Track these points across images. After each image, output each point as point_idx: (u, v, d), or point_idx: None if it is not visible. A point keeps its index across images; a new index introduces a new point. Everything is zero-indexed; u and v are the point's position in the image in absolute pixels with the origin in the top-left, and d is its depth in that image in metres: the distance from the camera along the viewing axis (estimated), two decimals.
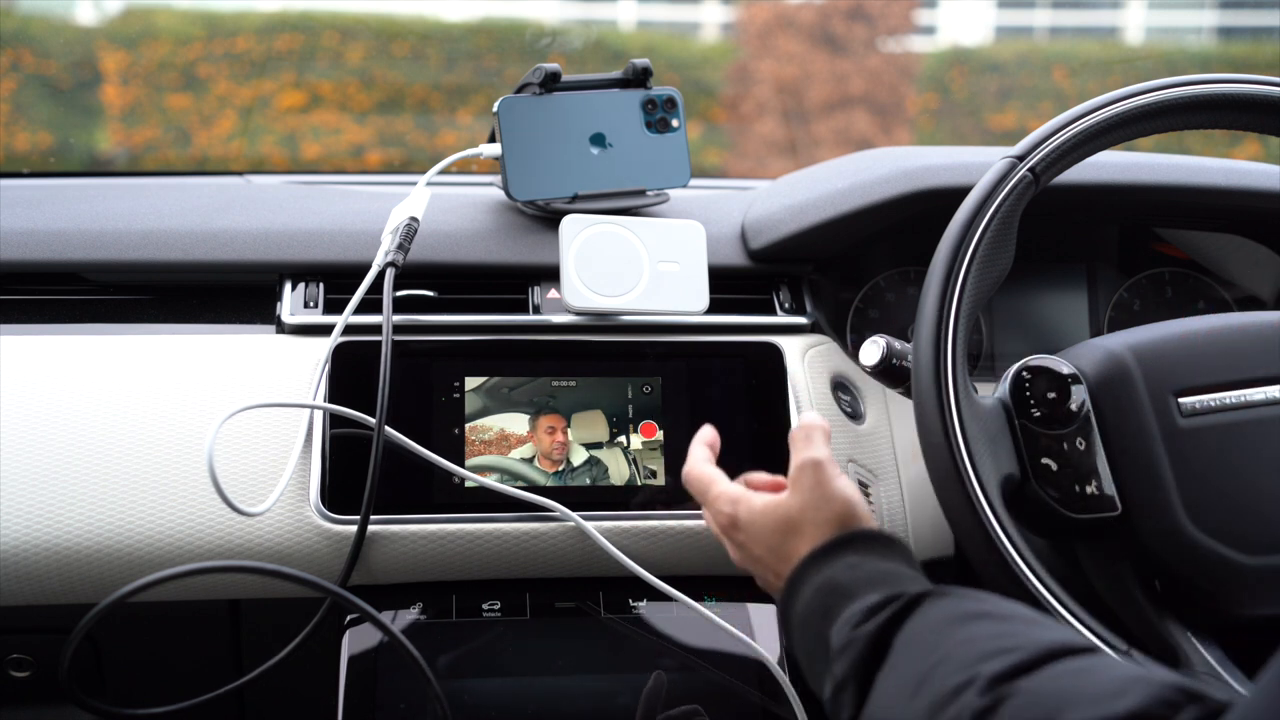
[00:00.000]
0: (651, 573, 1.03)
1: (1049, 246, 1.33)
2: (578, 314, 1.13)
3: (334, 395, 1.06)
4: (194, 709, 1.00)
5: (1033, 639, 0.67)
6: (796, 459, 0.86)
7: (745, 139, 3.23)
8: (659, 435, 1.09)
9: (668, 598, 1.03)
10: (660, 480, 1.08)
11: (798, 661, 0.81)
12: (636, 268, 1.13)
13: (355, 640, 1.02)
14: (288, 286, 1.16)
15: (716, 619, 1.03)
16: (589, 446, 1.08)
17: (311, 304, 1.15)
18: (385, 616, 0.98)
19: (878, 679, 0.71)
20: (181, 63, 2.20)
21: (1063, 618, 0.88)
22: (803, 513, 0.84)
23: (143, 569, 0.99)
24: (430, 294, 1.16)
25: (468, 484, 1.05)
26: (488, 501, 1.05)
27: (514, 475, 1.06)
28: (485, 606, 1.05)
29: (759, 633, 1.05)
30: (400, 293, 1.11)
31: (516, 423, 1.08)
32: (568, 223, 1.12)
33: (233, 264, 1.17)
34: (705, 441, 0.96)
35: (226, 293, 1.19)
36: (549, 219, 1.21)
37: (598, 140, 1.21)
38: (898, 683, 0.69)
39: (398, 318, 1.10)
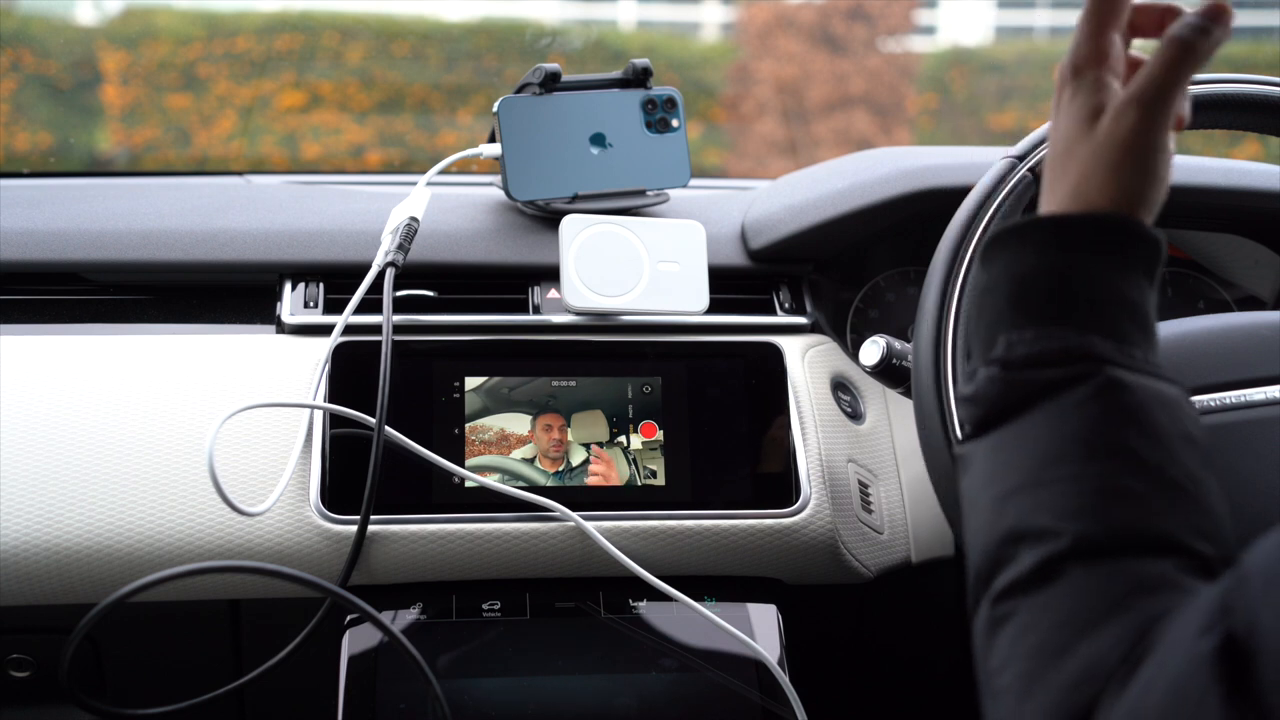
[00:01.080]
0: (651, 573, 1.03)
1: None
2: (578, 314, 1.13)
3: (334, 395, 1.06)
4: (194, 709, 1.00)
5: (1144, 522, 0.59)
6: (1132, 88, 0.69)
7: (745, 139, 3.23)
8: (659, 435, 1.09)
9: (668, 598, 1.03)
10: (660, 480, 1.08)
11: (974, 304, 0.71)
12: (636, 268, 1.13)
13: (355, 640, 1.02)
14: (288, 286, 1.16)
15: (716, 619, 1.03)
16: (589, 446, 1.08)
17: (311, 304, 1.15)
18: (385, 616, 0.98)
19: (1002, 428, 0.65)
20: (181, 63, 2.20)
21: None
22: (1097, 152, 0.69)
23: (143, 569, 0.99)
24: (430, 294, 1.16)
25: (468, 484, 1.05)
26: (488, 501, 1.05)
27: (514, 475, 1.06)
28: (485, 606, 1.05)
29: (759, 633, 1.05)
30: (400, 293, 1.11)
31: (516, 423, 1.08)
32: (568, 223, 1.12)
33: (233, 264, 1.17)
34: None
35: (226, 293, 1.19)
36: (549, 219, 1.21)
37: (598, 140, 1.21)
38: (1005, 461, 0.64)
39: (398, 318, 1.10)
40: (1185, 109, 0.73)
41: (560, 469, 1.07)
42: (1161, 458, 0.63)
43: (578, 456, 1.08)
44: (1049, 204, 0.71)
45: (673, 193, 1.25)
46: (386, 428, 1.01)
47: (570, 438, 1.08)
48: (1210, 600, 0.53)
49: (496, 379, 1.09)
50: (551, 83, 1.20)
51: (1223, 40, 0.69)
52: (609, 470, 1.07)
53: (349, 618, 1.02)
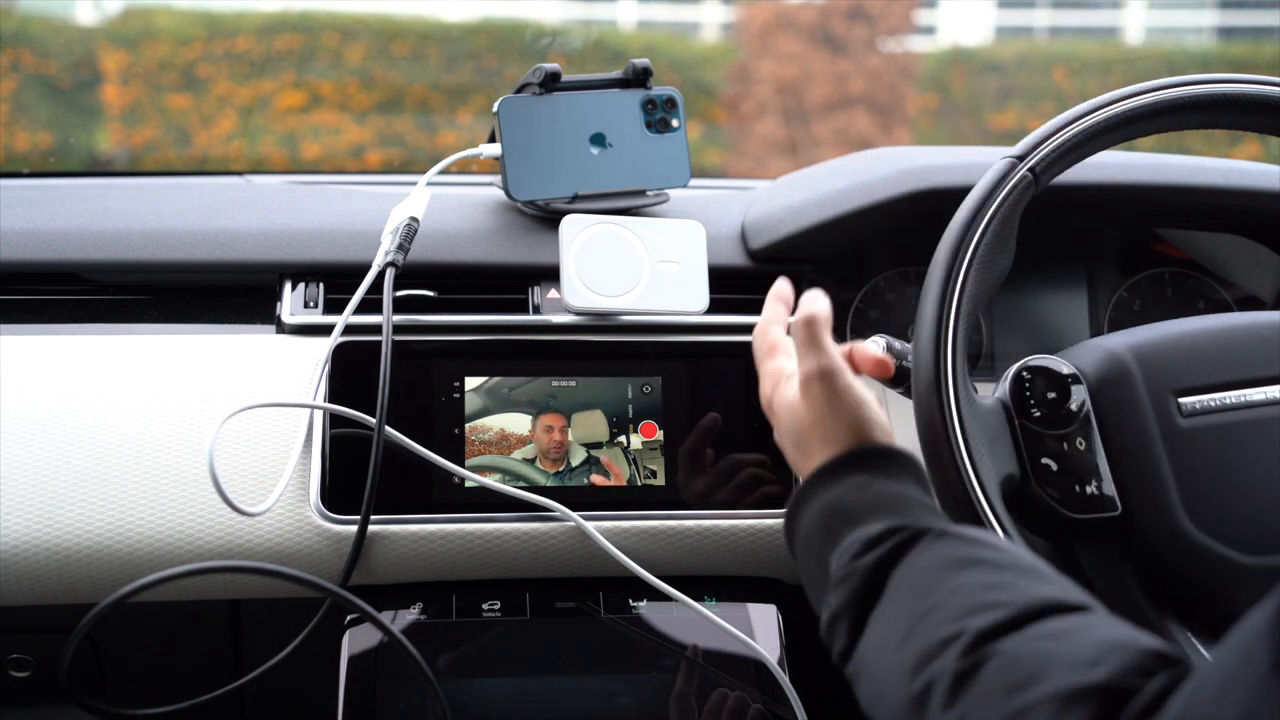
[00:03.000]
0: (651, 573, 1.03)
1: (1049, 246, 1.32)
2: (578, 314, 1.13)
3: (334, 395, 1.06)
4: (194, 709, 1.00)
5: (1023, 593, 0.66)
6: (803, 367, 0.83)
7: (745, 139, 3.23)
8: (659, 435, 1.09)
9: (668, 598, 1.03)
10: (660, 480, 1.08)
11: (801, 579, 0.79)
12: (636, 268, 1.13)
13: (355, 640, 1.02)
14: (288, 286, 1.16)
15: (716, 619, 1.03)
16: (589, 446, 1.08)
17: (311, 304, 1.15)
18: (385, 616, 0.98)
19: (872, 616, 0.71)
20: (181, 63, 2.20)
21: None
22: (814, 427, 0.81)
23: (143, 569, 0.99)
24: (430, 294, 1.16)
25: (468, 484, 1.05)
26: (488, 501, 1.05)
27: (514, 475, 1.06)
28: (485, 606, 1.05)
29: (759, 633, 1.05)
30: (400, 293, 1.11)
31: (517, 423, 1.08)
32: (568, 223, 1.12)
33: (233, 264, 1.17)
34: (779, 298, 0.93)
35: (226, 293, 1.19)
36: (549, 219, 1.21)
37: (598, 140, 1.21)
38: (889, 625, 0.69)
39: (398, 318, 1.10)
40: (876, 350, 0.91)
41: (560, 469, 1.07)
42: (1013, 558, 0.70)
43: (578, 456, 1.08)
44: (807, 468, 0.81)
45: (673, 193, 1.25)
46: (386, 428, 1.01)
47: (570, 438, 1.08)
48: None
49: (496, 379, 1.09)
50: (551, 83, 1.20)
51: (820, 298, 0.85)
52: (616, 479, 1.08)
53: (349, 618, 1.02)
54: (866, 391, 0.82)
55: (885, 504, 0.75)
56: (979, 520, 0.89)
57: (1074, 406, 0.96)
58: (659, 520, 1.06)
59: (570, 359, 1.11)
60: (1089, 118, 0.98)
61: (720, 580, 1.07)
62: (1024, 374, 0.97)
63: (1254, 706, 0.50)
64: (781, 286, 0.94)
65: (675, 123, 1.24)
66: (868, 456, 0.79)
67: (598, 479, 1.07)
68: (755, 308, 1.20)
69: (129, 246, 1.17)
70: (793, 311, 0.90)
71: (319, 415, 1.05)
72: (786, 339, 0.90)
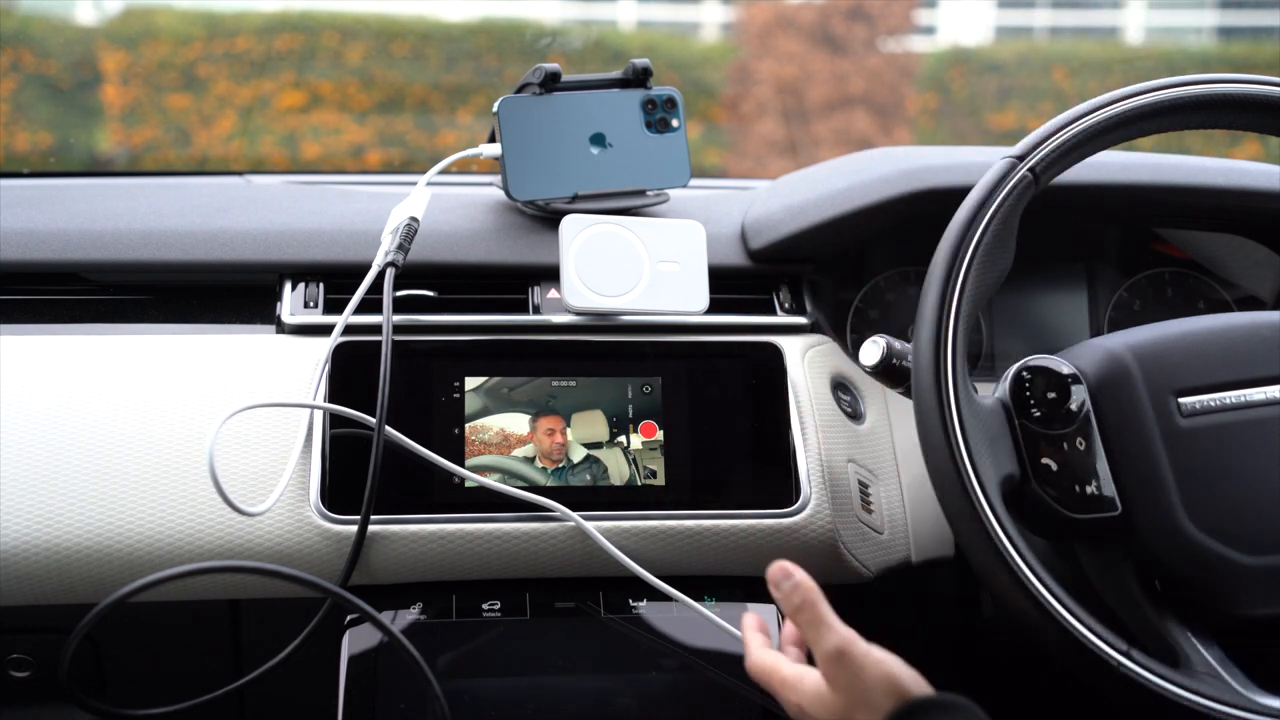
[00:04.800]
0: (651, 573, 1.03)
1: (1049, 246, 1.32)
2: (578, 314, 1.13)
3: (334, 395, 1.06)
4: (194, 709, 1.00)
5: None
6: (819, 654, 0.84)
7: (745, 139, 3.23)
8: (659, 435, 1.09)
9: (668, 598, 1.03)
10: (660, 480, 1.08)
11: None
12: (636, 268, 1.13)
13: (355, 640, 1.02)
14: (288, 286, 1.16)
15: (716, 619, 1.03)
16: (589, 446, 1.08)
17: (311, 304, 1.15)
18: (385, 616, 0.98)
19: None
20: (181, 63, 2.21)
21: (1063, 618, 0.88)
22: (850, 708, 0.82)
23: (143, 569, 0.99)
24: (430, 294, 1.16)
25: (468, 484, 1.05)
26: (488, 501, 1.05)
27: (514, 475, 1.06)
28: (485, 606, 1.05)
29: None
30: (400, 293, 1.11)
31: (517, 423, 1.08)
32: (568, 223, 1.12)
33: (233, 264, 1.17)
34: (757, 629, 0.95)
35: (226, 293, 1.19)
36: (549, 219, 1.21)
37: (598, 140, 1.21)
38: None
39: (398, 318, 1.10)
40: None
41: (560, 468, 1.07)
42: None
43: (578, 455, 1.08)
44: None
45: (673, 193, 1.25)
46: (386, 428, 1.01)
47: (570, 438, 1.08)
48: None
49: (496, 379, 1.09)
50: (551, 83, 1.20)
51: (805, 580, 0.86)
52: (616, 479, 1.08)
53: (349, 618, 1.02)
54: (885, 652, 0.82)
55: None
56: (979, 521, 0.89)
57: (1074, 406, 0.96)
58: (659, 520, 1.06)
59: (570, 359, 1.11)
60: (1089, 118, 0.98)
61: (720, 580, 1.07)
62: (1024, 374, 0.97)
63: None
64: (751, 620, 0.95)
65: (675, 123, 1.24)
66: (913, 713, 0.79)
67: (597, 479, 1.07)
68: (755, 308, 1.21)
69: (129, 246, 1.17)
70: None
71: (319, 415, 1.05)
72: (777, 654, 0.91)
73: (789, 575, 0.86)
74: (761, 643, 0.93)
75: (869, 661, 0.81)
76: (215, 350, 1.10)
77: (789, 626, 0.95)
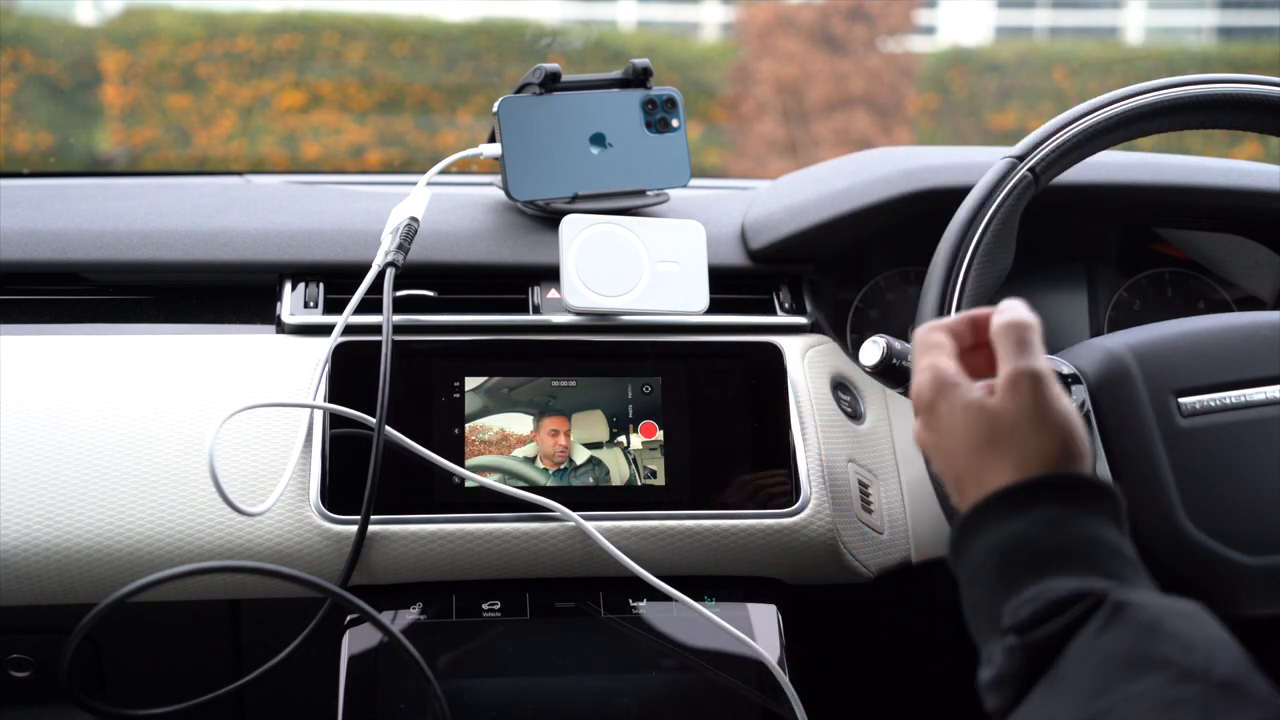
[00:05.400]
0: (651, 573, 1.03)
1: (1049, 246, 1.33)
2: (578, 314, 1.13)
3: (334, 395, 1.06)
4: (194, 709, 1.00)
5: None
6: (1010, 365, 0.73)
7: (745, 139, 3.23)
8: (659, 435, 1.09)
9: (668, 598, 1.03)
10: (660, 480, 1.08)
11: (963, 605, 0.72)
12: (636, 268, 1.13)
13: (355, 640, 1.02)
14: (288, 286, 1.16)
15: (716, 619, 1.03)
16: (589, 446, 1.08)
17: (311, 304, 1.15)
18: (385, 616, 0.98)
19: (1036, 689, 0.65)
20: (181, 63, 2.21)
21: None
22: (1014, 427, 0.72)
23: (143, 569, 0.99)
24: (430, 294, 1.16)
25: (468, 484, 1.05)
26: (488, 501, 1.05)
27: (514, 475, 1.06)
28: (485, 606, 1.05)
29: (759, 633, 1.05)
30: (400, 293, 1.11)
31: (517, 422, 1.08)
32: (568, 223, 1.12)
33: (233, 264, 1.17)
34: (957, 333, 0.79)
35: (226, 293, 1.19)
36: (549, 219, 1.21)
37: (598, 140, 1.21)
38: (1050, 712, 0.64)
39: (398, 318, 1.10)
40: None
41: (562, 469, 1.07)
42: (1201, 662, 0.62)
43: (580, 456, 1.08)
44: (973, 498, 0.73)
45: (673, 193, 1.25)
46: (386, 428, 1.01)
47: (572, 439, 1.08)
48: None
49: (497, 379, 1.09)
50: (551, 83, 1.20)
51: (1011, 312, 0.74)
52: (616, 479, 1.08)
53: (349, 618, 1.02)
54: (1073, 407, 0.73)
55: (1077, 550, 0.68)
56: None
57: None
58: (659, 520, 1.06)
59: (570, 359, 1.11)
60: (1089, 118, 0.98)
61: (720, 580, 1.07)
62: None
63: None
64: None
65: (675, 123, 1.24)
66: (1067, 485, 0.70)
67: (599, 479, 1.07)
68: (755, 308, 1.21)
69: (129, 246, 1.17)
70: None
71: (319, 415, 1.05)
72: (945, 339, 0.78)
73: (1018, 305, 0.76)
74: (944, 325, 0.79)
75: (1060, 404, 0.72)
76: (215, 350, 1.10)
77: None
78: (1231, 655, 0.63)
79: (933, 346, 0.78)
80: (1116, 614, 0.64)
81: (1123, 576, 0.67)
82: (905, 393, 1.06)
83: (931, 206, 1.16)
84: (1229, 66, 1.04)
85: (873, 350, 1.06)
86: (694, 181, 1.25)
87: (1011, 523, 0.69)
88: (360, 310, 1.07)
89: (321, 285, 1.16)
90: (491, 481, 1.05)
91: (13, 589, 1.00)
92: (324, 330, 1.11)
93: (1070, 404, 0.73)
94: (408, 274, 1.12)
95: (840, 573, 1.08)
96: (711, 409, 1.10)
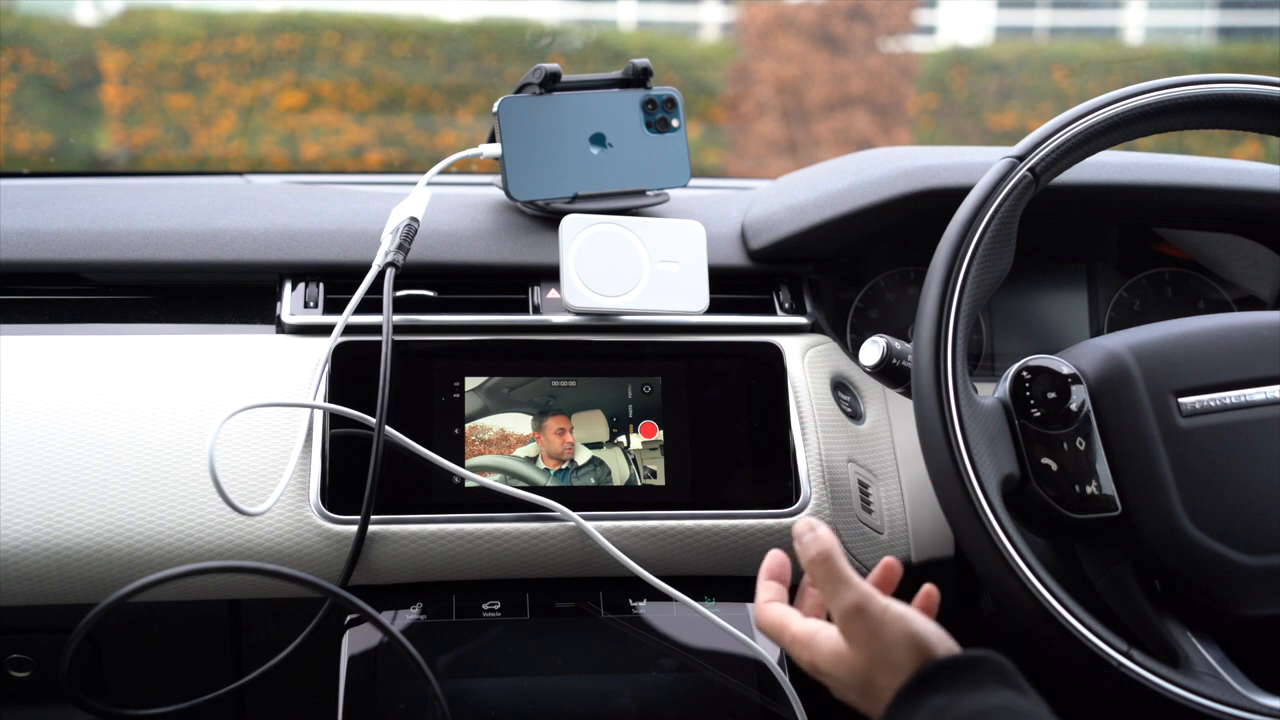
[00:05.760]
0: (651, 573, 1.03)
1: (1049, 246, 1.33)
2: (578, 314, 1.13)
3: (334, 395, 1.06)
4: (194, 709, 1.00)
5: None
6: (835, 609, 0.79)
7: (745, 139, 3.23)
8: (659, 435, 1.09)
9: (668, 598, 1.03)
10: (660, 480, 1.08)
11: None
12: (636, 268, 1.13)
13: (355, 640, 1.02)
14: (288, 286, 1.16)
15: (716, 619, 1.03)
16: (589, 446, 1.08)
17: (311, 304, 1.15)
18: (385, 616, 0.98)
19: None
20: (181, 63, 2.20)
21: (1063, 618, 0.88)
22: (870, 667, 0.77)
23: (143, 569, 0.99)
24: (430, 294, 1.16)
25: (468, 484, 1.05)
26: (488, 501, 1.05)
27: (514, 475, 1.06)
28: (485, 606, 1.05)
29: (759, 633, 1.05)
30: (400, 293, 1.11)
31: (517, 422, 1.08)
32: (568, 223, 1.12)
33: (233, 264, 1.17)
34: (773, 575, 0.88)
35: (226, 293, 1.19)
36: (549, 219, 1.21)
37: (598, 140, 1.21)
38: None
39: (398, 318, 1.10)
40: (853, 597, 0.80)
41: (563, 469, 1.07)
42: None
43: (583, 457, 1.08)
44: (880, 710, 0.77)
45: (673, 193, 1.25)
46: (386, 428, 1.01)
47: (574, 438, 1.08)
48: None
49: (497, 379, 1.09)
50: (551, 83, 1.20)
51: (826, 534, 0.81)
52: (616, 479, 1.08)
53: (349, 618, 1.02)
54: (906, 607, 0.78)
55: None
56: (979, 521, 0.89)
57: (1074, 406, 0.96)
58: (659, 520, 1.06)
59: (570, 359, 1.11)
60: (1089, 118, 0.98)
61: (720, 580, 1.07)
62: (1024, 374, 0.97)
63: None
64: (770, 562, 0.88)
65: (675, 123, 1.24)
66: (938, 674, 0.74)
67: (601, 479, 1.07)
68: (755, 308, 1.21)
69: (129, 246, 1.17)
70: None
71: (319, 415, 1.05)
72: (788, 608, 0.85)
73: (813, 528, 0.82)
74: (771, 594, 0.87)
75: (889, 618, 0.77)
76: (215, 350, 1.10)
77: (807, 577, 0.89)
78: None
79: (780, 619, 0.84)
80: None
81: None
82: (906, 393, 1.07)
83: (931, 206, 1.16)
84: (1229, 66, 1.04)
85: (873, 350, 1.06)
86: (694, 181, 1.25)
87: None
88: (360, 310, 1.07)
89: (321, 285, 1.16)
90: (491, 481, 1.05)
91: (13, 589, 1.00)
92: (324, 330, 1.11)
93: (899, 606, 0.77)
94: (408, 274, 1.12)
95: None
96: (711, 409, 1.10)
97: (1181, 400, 0.97)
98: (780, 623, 0.84)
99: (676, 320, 1.15)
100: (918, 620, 0.77)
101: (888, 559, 0.87)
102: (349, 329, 1.08)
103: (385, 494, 1.03)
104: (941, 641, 0.76)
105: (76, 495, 1.01)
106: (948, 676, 0.73)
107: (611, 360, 1.11)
